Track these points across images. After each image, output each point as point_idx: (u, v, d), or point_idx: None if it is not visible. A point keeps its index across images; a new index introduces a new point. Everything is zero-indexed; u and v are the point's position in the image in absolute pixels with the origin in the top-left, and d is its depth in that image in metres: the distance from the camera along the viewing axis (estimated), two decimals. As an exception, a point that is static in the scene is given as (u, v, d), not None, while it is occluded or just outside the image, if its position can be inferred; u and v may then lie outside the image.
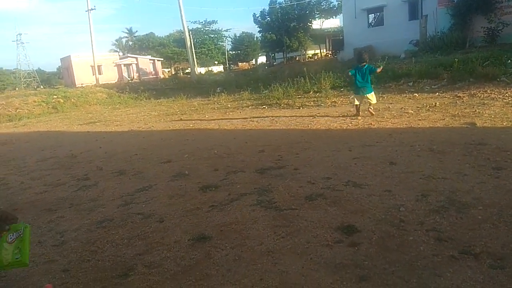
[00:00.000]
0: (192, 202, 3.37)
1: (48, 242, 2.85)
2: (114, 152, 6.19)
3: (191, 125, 8.64)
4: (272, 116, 8.73)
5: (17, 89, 39.87)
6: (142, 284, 2.10)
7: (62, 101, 18.23)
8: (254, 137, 6.31)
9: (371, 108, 7.14)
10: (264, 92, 13.45)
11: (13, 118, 15.61)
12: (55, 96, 18.67)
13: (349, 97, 10.68)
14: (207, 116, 9.96)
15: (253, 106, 11.33)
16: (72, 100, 18.59)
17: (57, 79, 50.52)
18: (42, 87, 39.79)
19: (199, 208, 3.21)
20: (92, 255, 2.53)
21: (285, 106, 10.57)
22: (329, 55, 36.81)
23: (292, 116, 8.42)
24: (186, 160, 5.11)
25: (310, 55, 44.70)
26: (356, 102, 7.32)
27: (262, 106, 11.10)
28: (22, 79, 50.94)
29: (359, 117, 7.06)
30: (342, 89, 12.41)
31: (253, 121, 8.37)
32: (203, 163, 4.81)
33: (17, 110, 16.74)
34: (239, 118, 8.98)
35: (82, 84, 29.38)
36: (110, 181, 4.45)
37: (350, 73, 7.80)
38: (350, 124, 6.59)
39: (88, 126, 10.73)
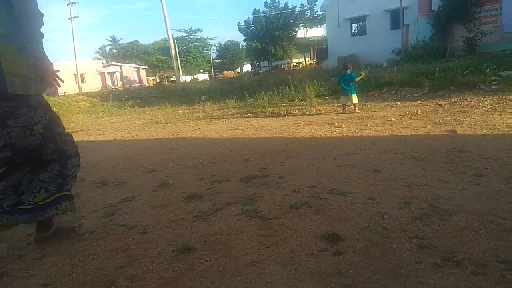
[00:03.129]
0: (176, 213, 3.33)
1: (27, 255, 2.76)
2: (96, 162, 6.09)
3: (175, 133, 8.60)
4: (257, 125, 8.75)
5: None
6: (124, 298, 2.06)
7: (43, 110, 17.93)
8: (239, 146, 6.31)
9: (356, 108, 9.14)
10: (249, 100, 13.51)
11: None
12: (36, 105, 18.34)
13: (333, 105, 10.81)
14: (191, 125, 9.92)
15: (239, 115, 11.35)
16: (54, 109, 18.15)
17: (38, 88, 49.65)
18: (23, 95, 39.02)
19: (183, 218, 3.17)
20: (73, 269, 2.46)
21: (270, 114, 10.63)
22: (314, 64, 37.25)
23: (277, 124, 8.47)
24: (171, 169, 5.06)
25: (295, 64, 45.21)
26: (343, 102, 9.42)
27: (248, 114, 11.14)
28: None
29: (343, 121, 7.14)
30: (326, 97, 12.57)
31: (238, 129, 8.37)
32: (188, 172, 4.78)
33: (-3, 119, 16.36)
34: (224, 127, 8.97)
35: (64, 92, 28.94)
36: (92, 191, 4.37)
37: (339, 82, 9.68)
38: (334, 132, 6.65)
39: (70, 136, 10.55)
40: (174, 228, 2.99)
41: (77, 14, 32.22)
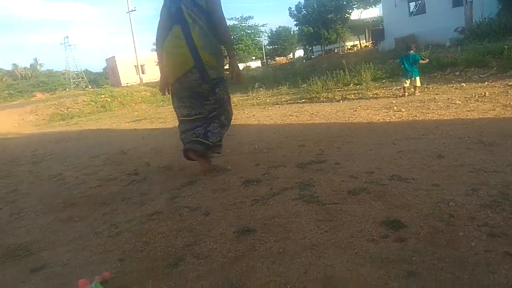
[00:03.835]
0: (235, 196, 3.46)
1: (103, 233, 3.05)
2: (160, 148, 6.44)
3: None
4: (311, 110, 8.68)
5: (67, 89, 42.26)
6: (191, 273, 2.21)
7: (109, 100, 19.12)
8: (294, 132, 6.33)
9: (417, 91, 8.74)
10: (302, 86, 13.38)
11: (65, 117, 16.60)
12: (102, 96, 19.61)
13: (391, 89, 10.39)
14: (246, 112, 10.08)
15: (292, 101, 11.32)
16: (119, 99, 19.44)
17: (103, 79, 52.93)
18: (90, 87, 41.85)
19: (242, 202, 3.29)
20: (145, 246, 2.68)
21: (324, 99, 10.48)
22: (369, 46, 35.82)
23: (332, 109, 8.33)
24: (228, 155, 5.22)
25: (349, 47, 43.70)
26: (405, 85, 8.89)
27: (301, 100, 11.06)
28: (71, 80, 53.82)
29: (403, 105, 6.86)
30: (383, 80, 12.09)
31: (292, 115, 8.37)
32: (245, 158, 4.90)
33: (69, 110, 17.76)
34: (278, 113, 9.01)
35: (127, 83, 30.62)
36: (158, 175, 4.65)
37: (399, 62, 9.07)
38: (393, 117, 6.42)
39: (134, 124, 11.20)
40: (234, 210, 3.11)
41: (134, 7, 33.71)
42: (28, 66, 62.25)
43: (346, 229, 2.46)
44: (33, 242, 3.11)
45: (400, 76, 9.38)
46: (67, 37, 62.00)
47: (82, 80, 54.21)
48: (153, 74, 38.81)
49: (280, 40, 54.01)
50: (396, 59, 12.17)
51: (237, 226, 2.78)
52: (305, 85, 13.22)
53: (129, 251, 2.65)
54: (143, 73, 35.78)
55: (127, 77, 36.31)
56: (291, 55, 55.60)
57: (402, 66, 8.88)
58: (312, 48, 44.53)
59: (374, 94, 10.02)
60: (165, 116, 11.84)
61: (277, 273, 2.06)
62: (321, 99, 10.56)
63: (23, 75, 56.12)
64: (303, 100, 10.88)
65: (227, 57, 4.18)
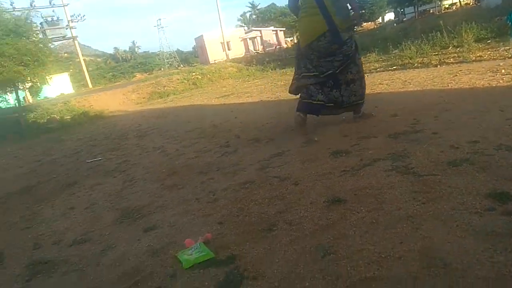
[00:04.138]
0: (323, 167, 3.47)
1: (203, 199, 3.33)
2: (248, 122, 6.68)
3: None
4: (404, 77, 8.13)
5: (162, 69, 45.44)
6: (285, 238, 2.32)
7: (199, 77, 20.16)
8: (384, 101, 6.03)
9: None
10: (393, 52, 12.53)
11: (162, 95, 17.98)
12: (193, 73, 20.73)
13: (498, 50, 9.21)
14: (333, 82, 9.82)
15: (382, 68, 10.70)
16: (208, 76, 20.38)
17: (193, 58, 55.64)
18: (182, 66, 44.39)
19: (331, 172, 3.30)
20: (240, 211, 2.88)
21: (419, 65, 9.70)
22: (471, 3, 31.82)
23: (428, 75, 7.70)
24: (315, 127, 5.20)
25: (447, 6, 39.26)
26: None
27: (392, 67, 10.41)
28: (165, 60, 57.61)
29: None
30: (488, 41, 10.74)
31: (382, 84, 7.95)
32: (332, 129, 4.85)
33: (165, 88, 19.17)
34: (367, 82, 8.61)
35: (214, 60, 31.81)
36: (248, 147, 4.87)
37: (507, 19, 7.83)
38: (500, 81, 5.72)
39: (223, 99, 11.70)
40: (323, 181, 3.14)
41: (220, -16, 34.40)
42: (127, 49, 68.11)
43: (446, 201, 2.34)
44: (144, 206, 3.53)
45: (509, 35, 8.22)
46: (160, 19, 66.08)
47: (175, 60, 57.68)
48: (238, 50, 39.66)
49: (368, 4, 50.68)
50: (504, 16, 10.65)
51: (326, 196, 2.81)
52: (396, 50, 12.35)
53: (227, 215, 2.87)
54: (229, 49, 36.79)
55: (215, 54, 37.65)
56: (379, 20, 52.00)
57: (511, 23, 7.77)
58: (403, 10, 41.02)
59: (478, 56, 8.97)
60: (251, 91, 12.13)
61: (370, 242, 2.07)
62: (415, 64, 9.80)
63: (124, 58, 61.68)
64: (395, 67, 10.21)
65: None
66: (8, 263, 2.92)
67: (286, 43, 43.25)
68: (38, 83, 13.94)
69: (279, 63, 20.13)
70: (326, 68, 4.73)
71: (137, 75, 39.12)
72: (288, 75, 14.44)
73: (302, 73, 4.98)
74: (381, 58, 12.82)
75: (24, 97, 18.03)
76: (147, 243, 2.71)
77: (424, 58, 10.15)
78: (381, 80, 8.50)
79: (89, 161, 6.27)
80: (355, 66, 4.83)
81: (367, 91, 7.45)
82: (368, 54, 14.03)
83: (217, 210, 3.01)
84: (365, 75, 9.63)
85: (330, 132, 4.75)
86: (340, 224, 2.35)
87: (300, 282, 1.87)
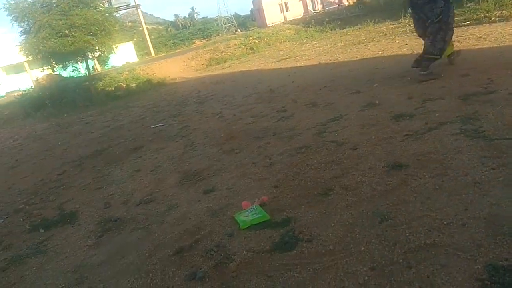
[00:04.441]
0: (384, 131, 3.33)
1: (260, 163, 3.39)
2: (305, 86, 6.54)
3: (379, 52, 8.18)
4: (478, 33, 7.36)
5: (219, 34, 45.60)
6: (341, 203, 2.30)
7: (256, 41, 19.93)
8: (455, 59, 5.53)
9: None
10: (468, 5, 11.30)
11: (220, 61, 18.12)
12: (250, 38, 20.52)
13: None
14: (397, 41, 9.19)
15: (454, 25, 9.73)
16: (265, 39, 20.07)
17: (250, 21, 54.96)
18: (239, 30, 44.15)
19: (392, 137, 3.15)
20: (295, 176, 2.88)
21: (497, 19, 8.69)
22: None
23: (507, 31, 6.89)
24: (376, 89, 4.96)
25: None
26: None
27: (466, 22, 9.44)
28: (223, 25, 57.62)
29: None
30: None
31: (453, 41, 7.25)
32: (395, 92, 4.58)
33: (223, 54, 19.27)
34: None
35: (272, 23, 31.15)
36: (304, 112, 4.79)
37: None
38: None
39: (280, 63, 11.52)
40: (383, 145, 3.02)
41: None
42: (187, 16, 68.96)
43: (520, 167, 2.14)
44: (204, 169, 3.68)
45: None
46: (218, -18, 65.67)
47: (232, 25, 57.46)
48: (297, 10, 38.34)
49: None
50: None
51: (386, 160, 2.71)
52: (471, 3, 11.13)
53: (282, 179, 2.90)
54: (287, 11, 35.72)
55: (272, 16, 36.82)
56: (454, -32, 46.79)
57: None
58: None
59: None
60: (308, 54, 11.77)
61: (432, 209, 1.97)
62: (492, 19, 8.77)
63: (183, 25, 62.67)
64: (468, 22, 9.25)
65: None
66: (82, 220, 3.24)
67: (348, 1, 40.88)
68: (105, 52, 14.72)
69: (339, 23, 19.14)
70: (427, 16, 4.86)
71: (196, 42, 39.68)
72: (349, 35, 13.76)
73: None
74: (455, 12, 11.66)
75: (93, 66, 19.22)
76: (206, 204, 2.84)
77: (504, 11, 9.04)
78: (453, 37, 7.76)
79: (153, 126, 6.61)
80: (446, 16, 4.88)
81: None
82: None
83: (273, 174, 3.04)
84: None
85: (392, 94, 4.50)
86: (400, 189, 2.27)
87: (356, 246, 1.85)
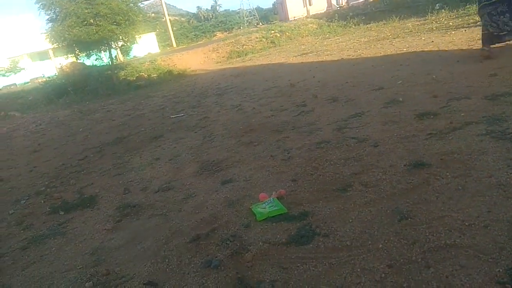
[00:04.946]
0: (407, 129, 3.26)
1: (278, 156, 3.38)
2: (326, 81, 6.47)
3: (404, 49, 8.01)
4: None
5: (241, 27, 45.53)
6: (359, 199, 2.27)
7: (278, 35, 19.82)
8: (483, 58, 5.36)
9: None
10: (500, 2, 10.89)
11: (241, 54, 18.11)
12: (272, 31, 20.42)
13: None
14: (423, 38, 8.98)
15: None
16: (287, 33, 19.94)
17: (272, 15, 54.61)
18: (261, 23, 43.97)
19: (415, 135, 3.09)
20: (314, 170, 2.86)
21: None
22: None
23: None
24: (400, 86, 4.86)
25: None
26: None
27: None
28: (245, 18, 57.49)
29: None
30: None
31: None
32: (419, 90, 4.48)
33: (243, 47, 19.25)
34: (463, 38, 7.72)
35: (294, 17, 30.90)
36: (325, 107, 4.74)
37: None
38: None
39: (301, 57, 11.43)
40: (405, 143, 2.96)
41: None
42: (209, 8, 69.08)
43: (548, 171, 2.07)
44: (222, 160, 3.69)
45: None
46: (241, -26, 65.42)
47: (254, 18, 57.26)
48: (320, 4, 37.86)
49: None
50: None
51: (408, 159, 2.66)
52: None
53: (300, 173, 2.88)
54: (310, 4, 35.33)
55: (295, 10, 36.48)
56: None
57: None
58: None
59: None
60: (331, 49, 11.63)
61: (454, 209, 1.93)
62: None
63: (205, 17, 62.83)
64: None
65: None
66: (101, 205, 3.31)
67: (372, -4, 40.12)
68: (128, 42, 14.93)
69: (363, 18, 18.83)
70: None
71: (217, 34, 39.76)
72: (373, 31, 13.52)
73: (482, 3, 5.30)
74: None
75: (116, 56, 19.50)
76: (224, 195, 2.85)
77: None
78: (480, 35, 7.53)
79: (173, 116, 6.67)
80: None
81: (464, 46, 6.72)
82: (468, 6, 12.43)
83: (291, 168, 3.03)
84: (463, 29, 8.62)
85: (417, 92, 4.40)
86: (421, 188, 2.23)
87: (374, 243, 1.83)
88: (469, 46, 6.64)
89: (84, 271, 2.26)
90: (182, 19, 63.93)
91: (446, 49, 6.90)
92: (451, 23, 10.51)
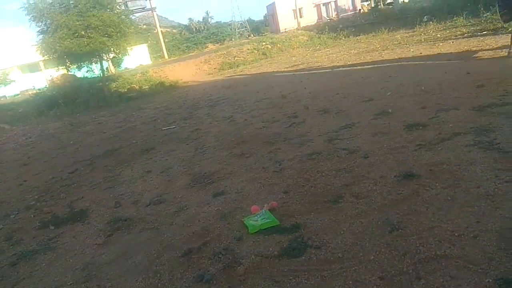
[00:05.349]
0: (396, 140, 3.31)
1: (270, 168, 3.39)
2: (317, 92, 6.53)
3: (393, 61, 8.14)
4: (495, 44, 7.28)
5: (233, 39, 45.86)
6: (351, 211, 2.29)
7: (269, 47, 20.01)
8: (471, 70, 5.47)
9: None
10: (485, 14, 11.22)
11: (232, 65, 18.22)
12: (263, 43, 20.62)
13: None
14: (411, 50, 9.14)
15: (470, 34, 9.68)
16: (278, 45, 20.13)
17: (264, 27, 55.14)
18: (252, 35, 44.33)
19: (404, 146, 3.13)
20: (305, 182, 2.88)
21: (515, 29, 8.57)
22: None
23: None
24: (389, 98, 4.93)
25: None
26: None
27: (482, 32, 9.36)
28: (236, 30, 57.95)
29: None
30: None
31: (469, 50, 7.20)
32: (408, 101, 4.55)
33: (235, 58, 19.39)
34: (451, 49, 7.89)
35: (285, 29, 31.23)
36: (316, 118, 4.78)
37: None
38: None
39: (292, 69, 11.54)
40: (395, 155, 3.00)
41: None
42: (201, 20, 69.50)
43: (535, 181, 2.11)
44: (214, 172, 3.69)
45: None
46: (232, -14, 66.22)
47: (246, 30, 57.75)
48: (311, 17, 38.35)
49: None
50: None
51: (398, 170, 2.69)
52: (488, 13, 11.04)
53: (292, 185, 2.89)
54: (300, 17, 35.78)
55: (286, 22, 36.89)
56: (470, -21, 46.47)
57: None
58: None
59: None
60: (322, 60, 11.78)
61: (444, 220, 1.95)
62: (510, 29, 8.69)
63: (197, 28, 63.17)
64: (485, 32, 9.17)
65: None
66: (92, 219, 3.27)
67: (362, 8, 40.76)
68: (120, 54, 14.91)
69: (353, 30, 19.13)
70: None
71: (209, 46, 39.96)
72: (362, 43, 13.74)
73: None
74: (470, 22, 11.56)
75: (107, 68, 19.47)
76: (216, 207, 2.85)
77: (522, 21, 8.93)
78: (468, 46, 7.71)
79: (164, 128, 6.66)
80: None
81: (454, 57, 6.85)
82: (455, 18, 12.72)
83: (283, 180, 3.04)
84: (451, 41, 8.84)
85: (406, 103, 4.47)
86: (411, 199, 2.25)
87: (365, 254, 1.84)
88: (457, 57, 6.78)
89: (75, 287, 2.23)
90: (174, 30, 64.16)
91: (434, 60, 7.04)
92: (439, 35, 10.74)
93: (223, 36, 52.31)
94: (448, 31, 11.11)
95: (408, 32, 13.16)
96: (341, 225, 2.15)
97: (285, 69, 11.96)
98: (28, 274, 2.53)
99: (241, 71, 15.24)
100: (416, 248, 1.79)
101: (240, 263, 2.02)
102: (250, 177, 3.30)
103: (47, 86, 19.25)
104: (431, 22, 13.51)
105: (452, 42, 9.01)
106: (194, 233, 2.51)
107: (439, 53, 7.75)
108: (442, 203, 2.12)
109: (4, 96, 25.85)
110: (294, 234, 2.19)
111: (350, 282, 1.68)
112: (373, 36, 14.91)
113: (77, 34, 12.91)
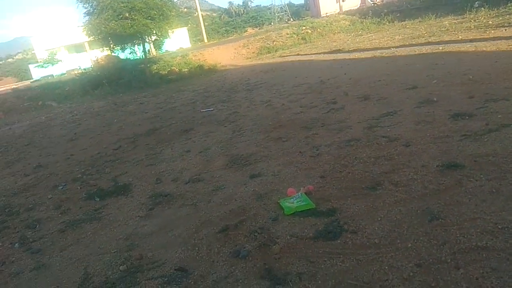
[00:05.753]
0: (441, 130, 3.20)
1: (307, 153, 3.39)
2: (358, 78, 6.39)
3: (440, 48, 7.78)
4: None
5: (272, 23, 45.38)
6: (389, 198, 2.27)
7: (309, 31, 19.65)
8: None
9: None
10: (508, 5, 10.40)
11: (271, 50, 18.09)
12: (303, 28, 20.26)
13: None
14: (460, 37, 8.68)
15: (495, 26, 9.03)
16: (318, 30, 19.72)
17: (304, 11, 54.06)
18: (292, 19, 43.65)
19: (449, 136, 3.03)
20: (343, 168, 2.87)
21: None
22: None
23: None
24: (434, 86, 4.74)
25: None
26: None
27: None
28: (276, 14, 57.25)
29: None
30: None
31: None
32: (455, 90, 4.36)
33: (274, 43, 19.21)
34: (503, 37, 7.41)
35: (326, 13, 30.50)
36: (356, 105, 4.70)
37: None
38: None
39: (333, 54, 11.31)
40: (438, 144, 2.91)
41: None
42: (241, 3, 69.15)
43: None
44: (251, 154, 3.74)
45: None
46: (274, -30, 65.07)
47: (285, 14, 56.89)
48: (354, 1, 37.15)
49: None
50: None
51: (441, 160, 2.62)
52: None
53: (329, 170, 2.89)
54: (343, 1, 34.77)
55: (327, 6, 35.98)
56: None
57: None
58: None
59: None
60: (363, 46, 11.43)
61: (487, 212, 1.90)
62: None
63: (237, 12, 62.96)
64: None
65: None
66: (135, 193, 3.44)
67: (407, -7, 38.93)
68: (162, 37, 15.22)
69: (398, 15, 18.36)
70: None
71: (248, 30, 39.83)
72: (408, 29, 13.18)
73: None
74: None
75: (149, 50, 19.92)
76: (252, 188, 2.91)
77: None
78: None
79: (203, 110, 6.79)
80: None
81: (504, 46, 6.45)
82: (510, 4, 11.87)
83: (320, 165, 3.04)
84: (503, 28, 8.25)
85: (452, 92, 4.29)
86: (454, 190, 2.19)
87: (403, 241, 1.83)
88: (508, 46, 6.37)
89: (118, 255, 2.37)
90: (214, 14, 64.36)
91: (484, 49, 6.66)
92: (490, 22, 10.10)
93: (262, 20, 51.84)
94: (501, 18, 10.40)
95: (457, 19, 12.47)
96: (378, 212, 2.14)
97: (325, 54, 11.74)
98: (75, 241, 2.72)
99: (280, 56, 15.12)
100: (456, 238, 1.76)
101: (275, 242, 2.07)
102: (287, 160, 3.32)
103: (92, 66, 20.01)
104: (482, 8, 12.70)
105: (505, 29, 8.45)
106: (231, 211, 2.59)
107: (489, 41, 7.30)
108: (486, 195, 2.05)
109: (52, 75, 27.19)
110: (330, 218, 2.21)
111: (386, 267, 1.69)
112: (420, 22, 14.24)
113: (121, 16, 13.29)
